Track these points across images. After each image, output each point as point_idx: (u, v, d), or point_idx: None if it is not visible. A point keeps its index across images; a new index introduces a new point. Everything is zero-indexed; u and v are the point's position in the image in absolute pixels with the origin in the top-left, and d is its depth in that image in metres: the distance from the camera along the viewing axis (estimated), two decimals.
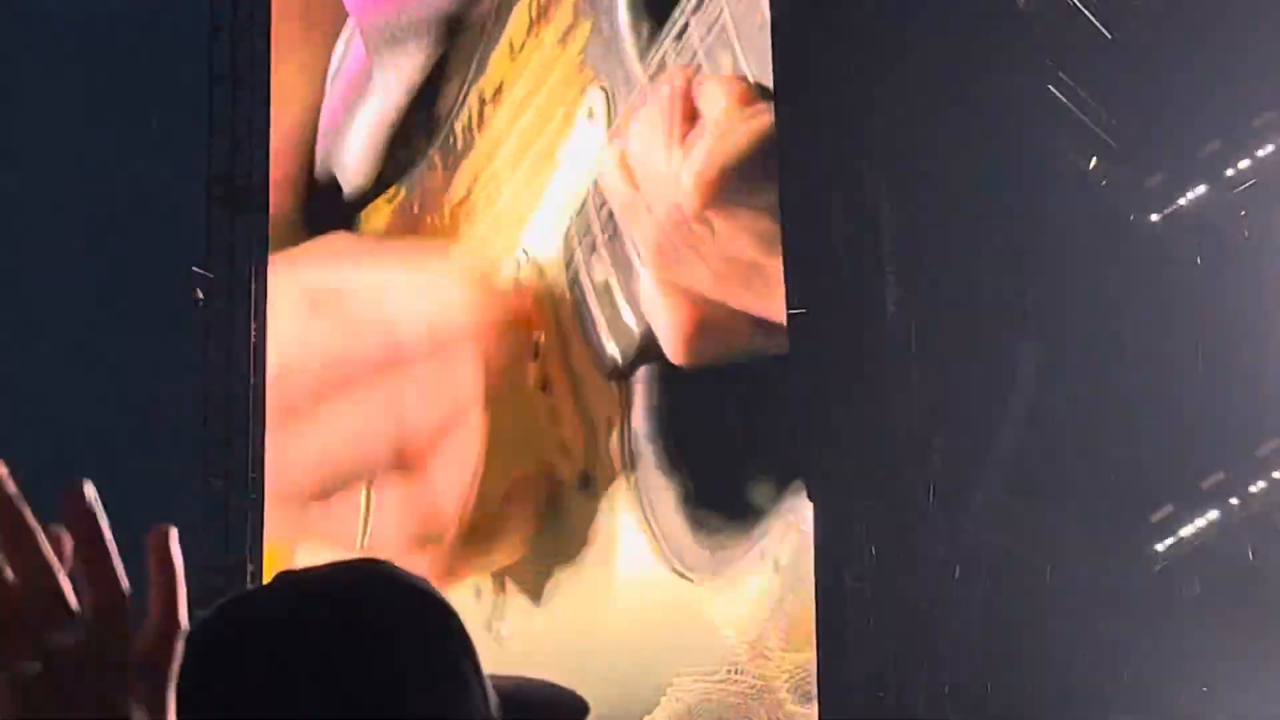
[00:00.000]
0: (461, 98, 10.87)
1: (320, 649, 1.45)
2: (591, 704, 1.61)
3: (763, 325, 9.53)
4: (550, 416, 10.40)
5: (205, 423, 11.14)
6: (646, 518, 9.89)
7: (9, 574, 0.98)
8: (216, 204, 11.03)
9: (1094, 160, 9.65)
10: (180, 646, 1.02)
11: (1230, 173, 9.81)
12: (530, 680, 1.59)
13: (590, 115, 10.41)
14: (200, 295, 10.71)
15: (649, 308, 9.92)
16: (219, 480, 11.02)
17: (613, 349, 10.20)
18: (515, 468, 10.51)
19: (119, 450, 12.21)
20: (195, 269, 10.76)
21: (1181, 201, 9.81)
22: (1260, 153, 9.79)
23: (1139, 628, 9.22)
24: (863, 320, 9.56)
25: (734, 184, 9.67)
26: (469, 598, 10.24)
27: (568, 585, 10.26)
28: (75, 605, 0.99)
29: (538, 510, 10.41)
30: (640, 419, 9.97)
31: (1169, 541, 9.54)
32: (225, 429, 11.09)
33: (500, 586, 10.50)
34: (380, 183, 11.08)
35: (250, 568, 10.83)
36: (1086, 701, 9.12)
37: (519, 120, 10.72)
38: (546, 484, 10.40)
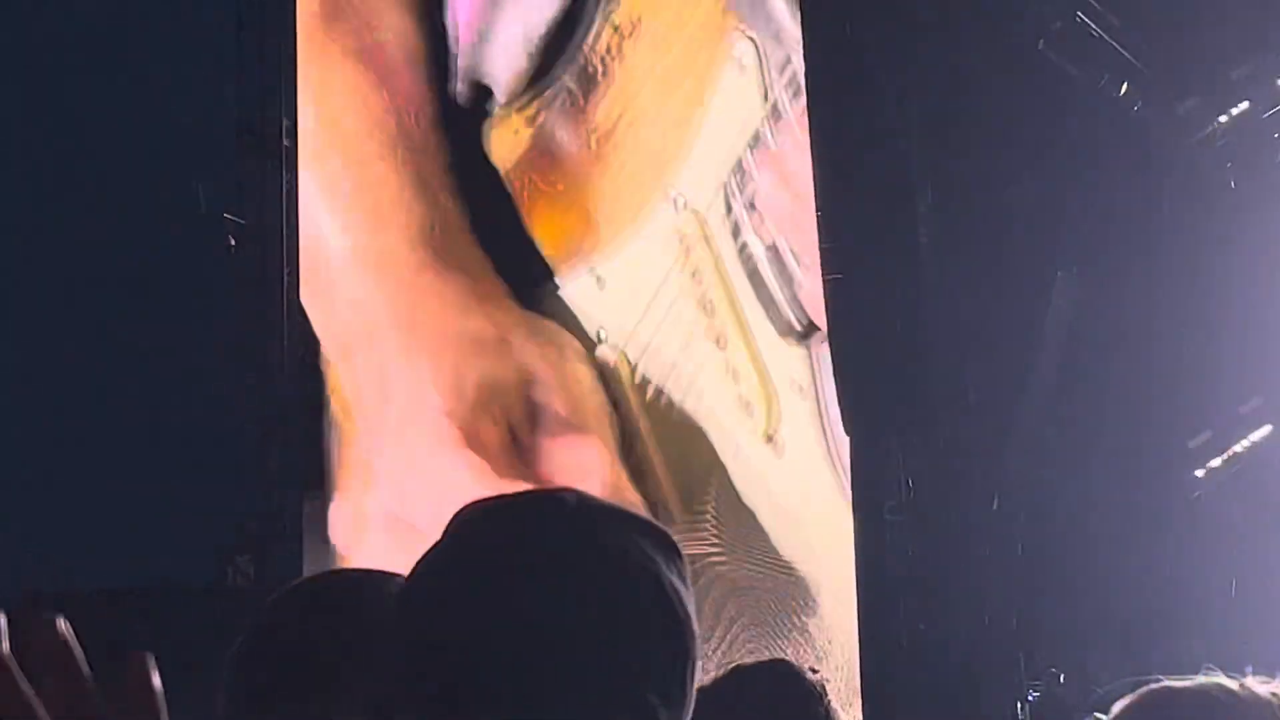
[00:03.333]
0: (598, 25, 10.52)
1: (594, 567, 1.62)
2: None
3: None
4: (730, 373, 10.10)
5: (238, 370, 11.16)
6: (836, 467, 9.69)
7: None
8: (247, 150, 11.00)
9: (1125, 86, 9.59)
10: None
11: (1262, 96, 9.76)
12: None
13: (742, 69, 10.12)
14: (233, 242, 10.70)
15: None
16: (255, 426, 11.06)
17: (788, 310, 10.06)
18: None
19: (153, 399, 12.27)
20: (227, 215, 10.74)
21: (1213, 126, 9.76)
22: None
23: (1178, 555, 9.23)
24: (895, 252, 9.54)
25: None
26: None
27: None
28: None
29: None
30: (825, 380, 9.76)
31: (1208, 467, 9.53)
32: (259, 378, 11.11)
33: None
34: (530, 87, 10.54)
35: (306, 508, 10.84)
36: (1127, 631, 9.14)
37: (661, 58, 10.37)
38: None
